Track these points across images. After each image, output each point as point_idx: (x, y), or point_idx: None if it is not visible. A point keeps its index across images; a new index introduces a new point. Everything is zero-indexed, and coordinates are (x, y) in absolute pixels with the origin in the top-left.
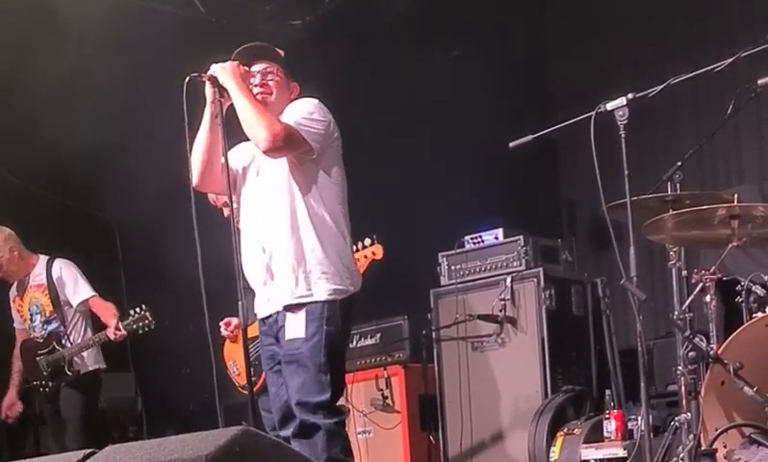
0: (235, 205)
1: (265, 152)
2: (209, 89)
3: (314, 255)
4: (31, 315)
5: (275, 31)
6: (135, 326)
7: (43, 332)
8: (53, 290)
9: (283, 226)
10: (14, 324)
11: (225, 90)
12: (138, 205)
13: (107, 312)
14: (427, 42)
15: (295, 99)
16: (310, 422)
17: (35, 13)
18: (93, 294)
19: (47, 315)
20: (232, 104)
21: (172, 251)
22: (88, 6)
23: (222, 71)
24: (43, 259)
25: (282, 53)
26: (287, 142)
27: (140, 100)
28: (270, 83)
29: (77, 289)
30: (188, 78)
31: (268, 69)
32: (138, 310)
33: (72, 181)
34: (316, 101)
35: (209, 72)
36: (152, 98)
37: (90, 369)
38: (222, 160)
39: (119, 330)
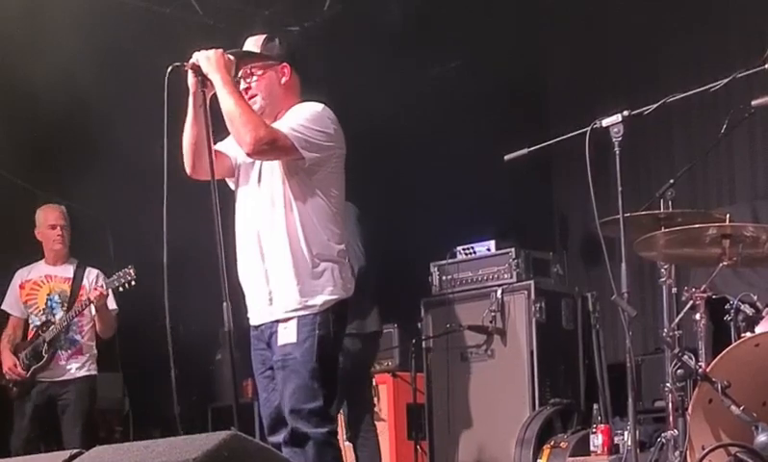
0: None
1: (248, 155)
2: (191, 79)
3: (308, 265)
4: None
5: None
6: (117, 283)
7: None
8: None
9: (278, 234)
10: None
11: (209, 80)
12: (130, 204)
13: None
14: (424, 52)
15: (290, 81)
16: (302, 430)
17: (29, 13)
18: None
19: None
20: (215, 93)
21: (161, 250)
22: (85, 6)
23: (206, 61)
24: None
25: (260, 40)
26: (271, 147)
27: (139, 102)
28: (253, 85)
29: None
30: (170, 67)
31: (246, 72)
32: (124, 270)
33: (70, 182)
34: (320, 108)
35: (191, 60)
36: (150, 100)
37: (93, 373)
38: (210, 149)
39: (101, 287)
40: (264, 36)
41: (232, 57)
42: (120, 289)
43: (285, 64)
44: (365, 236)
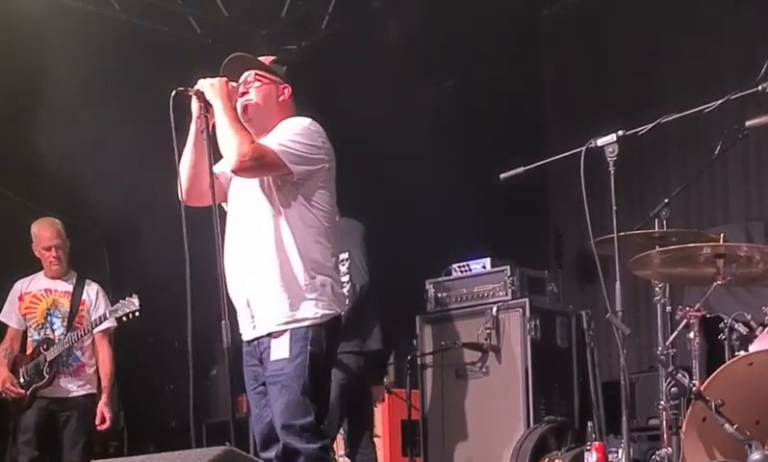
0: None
1: (233, 172)
2: (195, 105)
3: (298, 279)
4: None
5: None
6: (120, 313)
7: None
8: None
9: (267, 249)
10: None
11: (212, 106)
12: (126, 220)
13: None
14: (421, 71)
15: (287, 102)
16: (293, 446)
17: (33, 30)
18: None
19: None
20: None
21: (158, 266)
22: (85, 24)
23: (210, 88)
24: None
25: (269, 60)
26: (257, 163)
27: (138, 116)
28: (252, 91)
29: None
30: (174, 92)
31: (249, 78)
32: (128, 299)
33: (68, 198)
34: (308, 122)
35: (196, 87)
36: (149, 115)
37: (94, 391)
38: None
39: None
40: (274, 57)
41: (242, 58)
42: (124, 319)
43: (287, 85)
44: (369, 254)
